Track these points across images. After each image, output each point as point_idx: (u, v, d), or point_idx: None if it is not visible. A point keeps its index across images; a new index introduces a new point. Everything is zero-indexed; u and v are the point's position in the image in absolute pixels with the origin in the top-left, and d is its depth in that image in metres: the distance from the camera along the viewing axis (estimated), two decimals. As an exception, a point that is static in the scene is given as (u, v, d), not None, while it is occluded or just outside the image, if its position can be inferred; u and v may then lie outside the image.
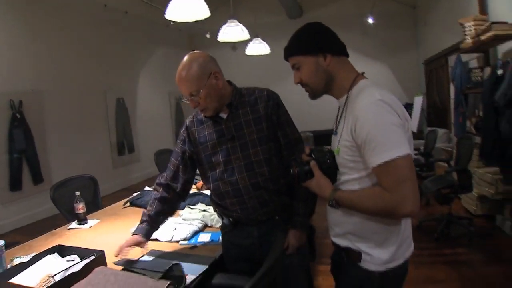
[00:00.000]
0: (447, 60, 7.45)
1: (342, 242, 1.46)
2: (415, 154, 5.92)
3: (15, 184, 5.73)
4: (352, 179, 1.37)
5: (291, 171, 1.44)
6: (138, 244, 1.92)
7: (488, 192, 4.28)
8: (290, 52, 1.44)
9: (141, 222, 1.97)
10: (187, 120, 1.94)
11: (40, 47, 6.20)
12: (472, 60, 5.87)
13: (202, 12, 3.13)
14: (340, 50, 1.42)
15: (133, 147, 8.70)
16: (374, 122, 1.24)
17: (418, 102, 8.29)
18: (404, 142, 1.23)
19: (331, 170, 1.42)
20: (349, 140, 1.32)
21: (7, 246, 2.28)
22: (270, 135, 1.81)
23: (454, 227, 4.32)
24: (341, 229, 1.45)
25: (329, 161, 1.41)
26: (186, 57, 1.73)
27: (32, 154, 6.02)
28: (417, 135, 8.31)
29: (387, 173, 1.22)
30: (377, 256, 1.37)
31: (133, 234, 1.95)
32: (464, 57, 5.85)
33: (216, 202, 1.93)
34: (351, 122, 1.31)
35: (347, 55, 1.45)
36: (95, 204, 3.32)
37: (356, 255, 1.40)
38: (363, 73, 1.46)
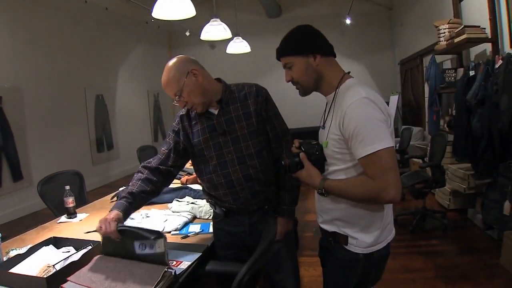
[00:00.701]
0: (422, 60, 7.68)
1: (329, 227, 1.58)
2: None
3: (-6, 181, 5.66)
4: (339, 170, 1.49)
5: (283, 162, 1.55)
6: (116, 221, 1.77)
7: (460, 187, 4.49)
8: (282, 52, 1.55)
9: (120, 198, 1.92)
10: (180, 113, 2.02)
11: (19, 42, 6.12)
12: (446, 61, 6.10)
13: (188, 11, 3.19)
14: (328, 51, 1.54)
15: (112, 144, 8.66)
16: (361, 117, 1.36)
17: (394, 101, 8.50)
18: (388, 136, 1.36)
19: (319, 161, 1.53)
20: (337, 133, 1.44)
21: (-1, 239, 2.34)
22: (259, 129, 1.91)
23: (429, 220, 4.54)
24: (329, 216, 1.57)
25: (317, 153, 1.52)
26: (167, 64, 1.85)
27: (12, 151, 5.94)
28: (392, 133, 8.52)
29: (372, 163, 1.34)
30: (362, 239, 1.50)
31: (110, 210, 1.86)
32: (438, 58, 6.06)
33: (209, 193, 2.02)
34: (339, 117, 1.43)
35: (334, 56, 1.57)
36: (81, 199, 3.35)
37: (342, 239, 1.53)
38: (349, 72, 1.58)
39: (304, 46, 1.50)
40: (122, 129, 8.96)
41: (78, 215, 2.76)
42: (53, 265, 1.76)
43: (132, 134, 9.25)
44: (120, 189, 3.37)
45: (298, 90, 1.59)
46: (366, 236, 1.50)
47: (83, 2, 7.31)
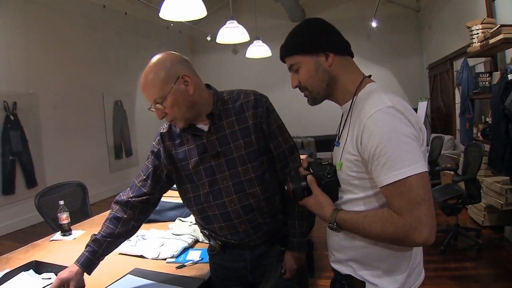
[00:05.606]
0: (452, 64, 7.31)
1: (343, 269, 1.28)
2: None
3: (8, 187, 5.56)
4: (356, 199, 1.19)
5: (286, 187, 1.26)
6: (67, 282, 1.50)
7: (497, 202, 4.08)
8: (286, 51, 1.26)
9: (85, 247, 1.60)
10: (161, 130, 1.67)
11: (36, 48, 6.05)
12: (479, 64, 5.72)
13: (199, 11, 2.96)
14: (343, 49, 1.25)
15: (131, 151, 8.51)
16: (385, 133, 1.06)
17: (422, 107, 8.14)
18: (420, 157, 1.05)
19: (332, 187, 1.22)
20: (354, 153, 1.14)
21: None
22: (261, 148, 1.56)
23: (461, 239, 4.15)
24: (343, 255, 1.27)
25: (329, 176, 1.22)
26: (152, 59, 1.47)
27: (26, 157, 5.86)
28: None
29: (399, 193, 1.03)
30: (384, 286, 1.19)
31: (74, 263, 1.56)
32: (471, 62, 5.70)
33: (202, 225, 1.69)
34: (356, 132, 1.13)
35: (351, 55, 1.28)
36: (84, 212, 3.18)
37: (359, 285, 1.22)
38: (370, 76, 1.28)
39: (314, 42, 1.21)
40: (141, 135, 8.77)
41: (73, 232, 2.54)
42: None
43: (151, 141, 9.02)
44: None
45: (306, 98, 1.29)
46: (389, 282, 1.18)
47: (101, 6, 7.20)
